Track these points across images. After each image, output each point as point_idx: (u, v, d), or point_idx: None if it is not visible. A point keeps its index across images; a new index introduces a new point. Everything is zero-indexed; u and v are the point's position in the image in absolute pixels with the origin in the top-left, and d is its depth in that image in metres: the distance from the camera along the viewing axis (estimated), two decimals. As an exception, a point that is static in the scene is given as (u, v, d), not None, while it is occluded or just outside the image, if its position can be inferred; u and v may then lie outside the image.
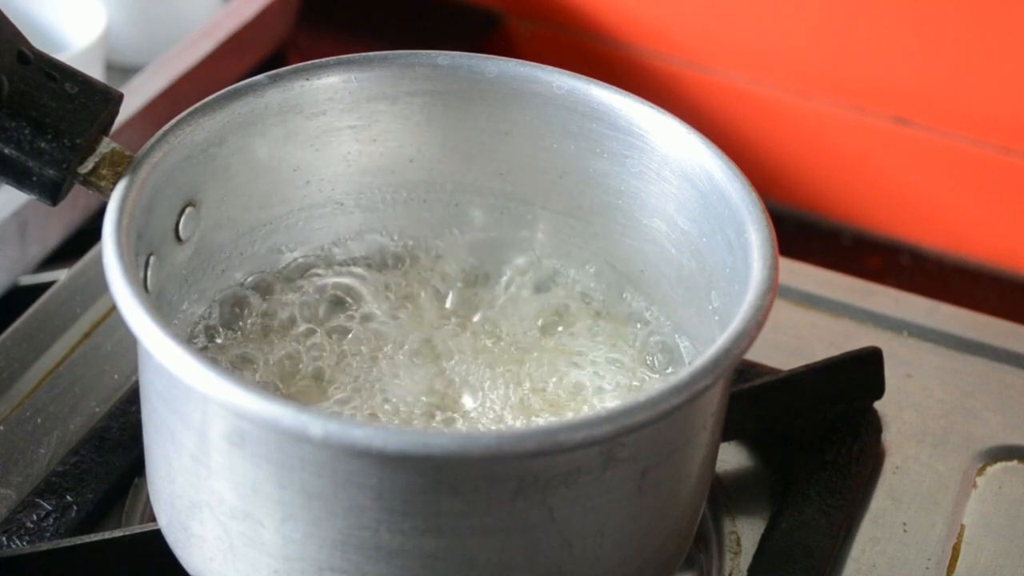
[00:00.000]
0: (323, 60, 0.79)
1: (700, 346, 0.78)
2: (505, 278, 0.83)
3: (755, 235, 0.71)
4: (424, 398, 0.76)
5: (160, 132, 0.74)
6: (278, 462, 0.65)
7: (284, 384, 0.77)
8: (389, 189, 0.83)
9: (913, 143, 1.21)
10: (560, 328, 0.81)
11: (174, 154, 0.73)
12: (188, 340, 0.78)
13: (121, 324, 0.74)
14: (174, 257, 0.76)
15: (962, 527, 0.85)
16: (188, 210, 0.76)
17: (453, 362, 0.78)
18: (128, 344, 0.90)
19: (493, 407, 0.77)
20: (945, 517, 0.85)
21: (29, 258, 1.04)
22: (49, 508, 0.80)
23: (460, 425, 0.76)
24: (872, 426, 0.88)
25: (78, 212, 1.07)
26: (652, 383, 0.78)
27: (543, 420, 0.76)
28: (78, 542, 0.77)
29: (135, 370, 0.87)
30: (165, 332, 0.64)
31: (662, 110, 0.77)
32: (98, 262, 0.79)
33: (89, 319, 0.92)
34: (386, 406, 0.76)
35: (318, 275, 0.82)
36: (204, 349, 0.78)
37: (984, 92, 1.18)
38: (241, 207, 0.79)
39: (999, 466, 0.89)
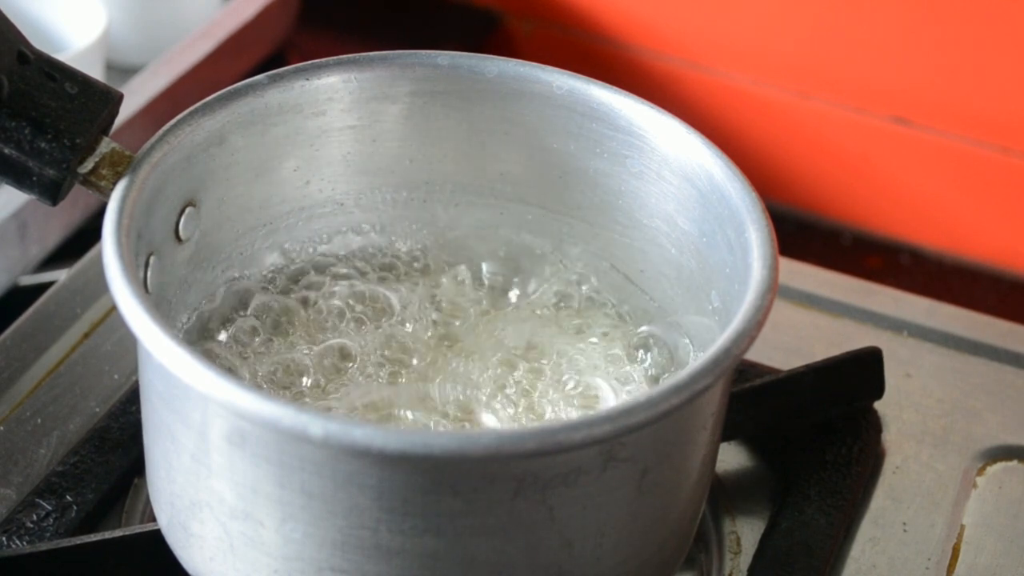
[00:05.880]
0: (323, 60, 0.79)
1: (700, 346, 0.78)
2: (504, 278, 0.83)
3: (755, 235, 0.71)
4: (418, 396, 0.77)
5: (160, 132, 0.74)
6: (278, 462, 0.65)
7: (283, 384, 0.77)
8: (389, 189, 0.83)
9: (913, 143, 1.21)
10: (559, 327, 0.81)
11: (174, 154, 0.73)
12: (187, 340, 0.78)
13: (121, 324, 0.74)
14: (174, 257, 0.76)
15: (962, 527, 0.85)
16: (188, 210, 0.76)
17: (451, 360, 0.78)
18: (128, 344, 0.90)
19: (491, 403, 0.77)
20: (945, 517, 0.85)
21: (29, 258, 1.04)
22: (49, 508, 0.80)
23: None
24: (872, 426, 0.88)
25: (78, 212, 1.07)
26: (652, 383, 0.78)
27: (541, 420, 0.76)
28: (78, 542, 0.77)
29: (135, 370, 0.87)
30: (165, 332, 0.64)
31: (662, 110, 0.77)
32: (98, 262, 0.79)
33: (89, 319, 0.92)
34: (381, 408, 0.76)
35: (318, 275, 0.82)
36: (204, 349, 0.78)
37: (984, 92, 1.18)
38: (241, 207, 0.79)
39: (999, 466, 0.89)
